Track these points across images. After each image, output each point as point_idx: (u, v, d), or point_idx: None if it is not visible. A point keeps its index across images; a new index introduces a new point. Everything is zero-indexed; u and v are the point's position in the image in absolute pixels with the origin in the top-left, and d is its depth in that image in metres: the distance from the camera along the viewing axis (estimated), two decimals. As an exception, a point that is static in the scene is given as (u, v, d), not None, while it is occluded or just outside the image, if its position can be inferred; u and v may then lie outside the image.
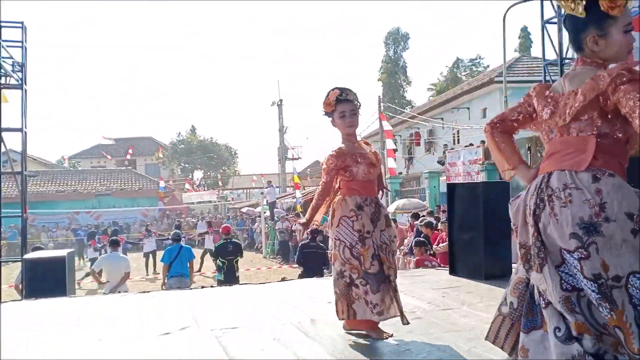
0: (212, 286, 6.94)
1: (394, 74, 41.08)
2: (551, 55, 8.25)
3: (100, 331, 3.99)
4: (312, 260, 9.22)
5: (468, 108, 21.56)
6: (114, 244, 8.74)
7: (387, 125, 20.58)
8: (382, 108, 22.11)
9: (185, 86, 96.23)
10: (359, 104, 3.47)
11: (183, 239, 16.28)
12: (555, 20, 7.79)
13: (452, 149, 18.01)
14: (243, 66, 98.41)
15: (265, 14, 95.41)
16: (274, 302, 4.89)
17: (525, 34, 37.15)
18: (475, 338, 3.43)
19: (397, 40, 41.53)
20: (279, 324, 3.99)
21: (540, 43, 8.19)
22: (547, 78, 8.11)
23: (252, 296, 5.24)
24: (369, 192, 3.46)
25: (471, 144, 16.89)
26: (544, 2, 7.81)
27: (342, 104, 3.42)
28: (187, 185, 39.71)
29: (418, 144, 25.52)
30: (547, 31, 7.94)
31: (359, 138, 3.67)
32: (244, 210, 29.13)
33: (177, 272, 8.57)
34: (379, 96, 23.19)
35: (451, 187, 6.64)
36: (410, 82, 42.96)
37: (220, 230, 11.23)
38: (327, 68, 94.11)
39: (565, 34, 7.67)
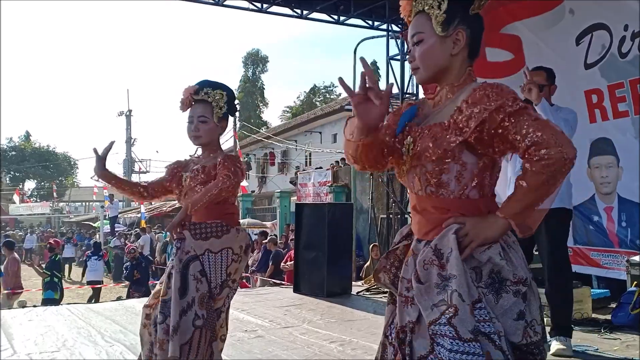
0: (34, 305, 6.24)
1: (251, 94, 41.33)
2: (394, 89, 8.92)
3: None
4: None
5: (320, 132, 22.41)
6: None
7: (237, 145, 20.56)
8: (238, 127, 22.08)
9: (20, 88, 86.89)
10: (220, 106, 2.56)
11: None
12: (399, 57, 8.43)
13: (304, 170, 18.53)
14: (90, 72, 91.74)
15: (118, 21, 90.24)
16: (104, 322, 4.53)
17: (374, 68, 39.95)
18: (312, 355, 3.49)
19: (256, 61, 41.95)
20: (108, 345, 3.69)
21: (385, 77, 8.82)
22: (390, 110, 8.71)
23: (81, 316, 4.80)
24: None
25: (321, 167, 17.56)
26: (390, 40, 8.43)
27: (194, 107, 2.55)
28: (15, 196, 35.57)
29: (272, 164, 25.85)
30: (391, 67, 8.55)
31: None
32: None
33: None
34: (235, 115, 23.09)
35: (299, 207, 6.79)
36: (267, 103, 43.59)
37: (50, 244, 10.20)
38: (182, 81, 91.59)
39: (407, 70, 8.38)
